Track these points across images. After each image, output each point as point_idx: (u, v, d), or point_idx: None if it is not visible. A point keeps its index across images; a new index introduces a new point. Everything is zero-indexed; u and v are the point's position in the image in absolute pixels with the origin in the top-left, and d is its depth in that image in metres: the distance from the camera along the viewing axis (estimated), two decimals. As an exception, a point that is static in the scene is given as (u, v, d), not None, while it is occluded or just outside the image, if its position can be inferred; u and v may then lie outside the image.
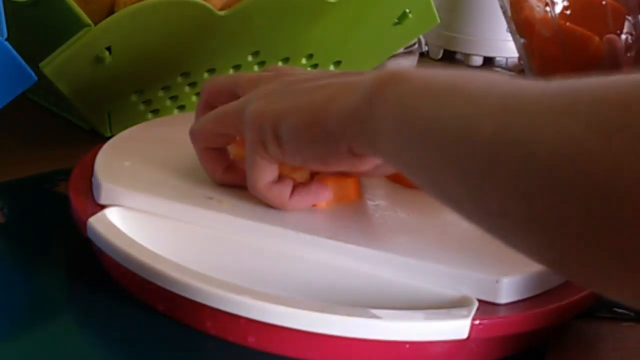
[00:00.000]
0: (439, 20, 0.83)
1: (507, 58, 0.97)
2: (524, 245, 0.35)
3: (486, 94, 0.37)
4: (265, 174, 0.50)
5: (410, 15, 0.81)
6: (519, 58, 0.76)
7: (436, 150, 0.38)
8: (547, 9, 0.69)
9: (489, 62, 0.99)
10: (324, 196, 0.52)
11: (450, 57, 1.01)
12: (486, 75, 0.40)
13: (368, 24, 0.79)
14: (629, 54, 0.68)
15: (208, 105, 0.53)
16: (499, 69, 0.98)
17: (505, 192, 0.34)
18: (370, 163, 0.47)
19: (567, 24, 0.70)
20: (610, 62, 0.67)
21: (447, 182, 0.38)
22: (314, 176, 0.52)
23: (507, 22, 0.74)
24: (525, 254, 0.35)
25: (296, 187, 0.51)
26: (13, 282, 0.52)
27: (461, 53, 1.00)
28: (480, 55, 0.98)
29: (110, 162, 0.55)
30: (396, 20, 0.81)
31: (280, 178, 0.50)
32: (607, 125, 0.31)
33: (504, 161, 0.34)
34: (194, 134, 0.52)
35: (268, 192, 0.50)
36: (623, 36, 0.68)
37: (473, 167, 0.36)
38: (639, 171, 0.29)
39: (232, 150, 0.53)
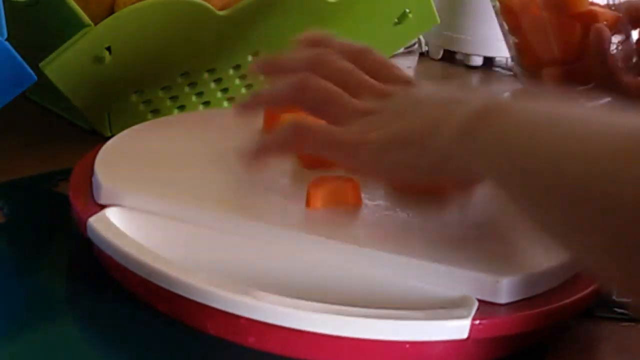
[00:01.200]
0: (439, 20, 0.83)
1: (507, 58, 0.97)
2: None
3: (602, 136, 0.39)
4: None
5: (410, 15, 0.81)
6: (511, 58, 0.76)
7: (546, 187, 0.40)
8: None
9: (489, 62, 0.98)
10: None
11: (450, 57, 1.01)
12: (587, 113, 0.43)
13: (368, 24, 0.79)
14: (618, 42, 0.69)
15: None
16: (498, 69, 0.98)
17: None
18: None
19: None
20: (596, 52, 0.68)
21: (552, 213, 0.40)
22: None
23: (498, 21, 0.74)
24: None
25: None
26: (13, 282, 0.52)
27: (461, 53, 1.00)
28: (480, 55, 0.98)
29: (110, 162, 0.55)
30: (396, 20, 0.81)
31: None
32: None
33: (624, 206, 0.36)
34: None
35: None
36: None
37: (585, 208, 0.38)
38: None
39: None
